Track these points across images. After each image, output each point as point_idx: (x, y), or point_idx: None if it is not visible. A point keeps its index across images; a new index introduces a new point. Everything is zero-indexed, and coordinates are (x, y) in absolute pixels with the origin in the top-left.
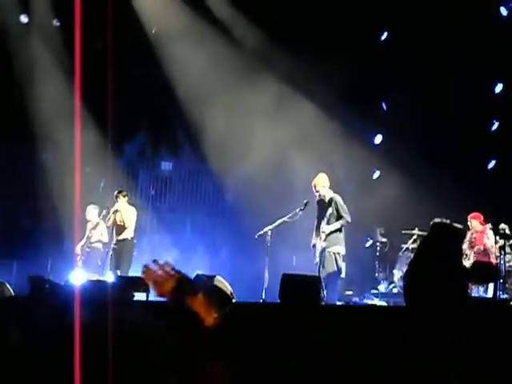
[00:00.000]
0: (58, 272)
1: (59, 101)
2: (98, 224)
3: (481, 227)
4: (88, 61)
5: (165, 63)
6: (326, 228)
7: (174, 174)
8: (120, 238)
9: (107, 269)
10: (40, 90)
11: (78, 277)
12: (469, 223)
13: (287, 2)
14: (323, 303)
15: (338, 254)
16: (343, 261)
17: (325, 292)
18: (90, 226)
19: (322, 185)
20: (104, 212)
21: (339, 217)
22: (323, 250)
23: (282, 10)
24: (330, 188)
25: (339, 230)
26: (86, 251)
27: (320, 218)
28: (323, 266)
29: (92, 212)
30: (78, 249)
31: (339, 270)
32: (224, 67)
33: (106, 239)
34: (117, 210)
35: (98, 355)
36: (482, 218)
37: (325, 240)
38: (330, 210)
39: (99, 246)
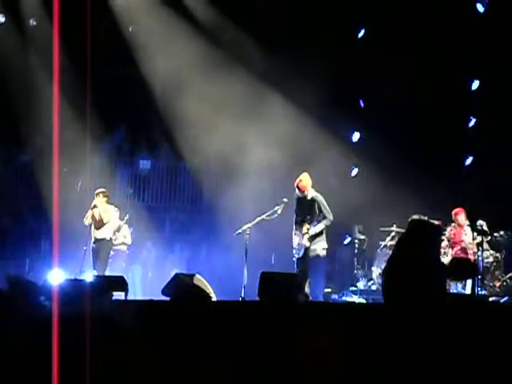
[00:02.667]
0: (36, 272)
1: (36, 101)
2: (120, 226)
3: (467, 221)
4: (65, 59)
5: (141, 61)
6: (311, 230)
7: (153, 172)
8: (98, 236)
9: (85, 268)
10: (17, 90)
11: (56, 276)
12: (454, 218)
13: (265, 1)
14: (306, 301)
15: (324, 249)
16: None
17: (309, 290)
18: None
19: (307, 184)
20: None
21: (323, 217)
22: (307, 249)
23: (260, 8)
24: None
25: (324, 228)
26: (111, 254)
27: (301, 215)
28: (308, 265)
29: (114, 214)
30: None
31: (324, 267)
32: (201, 65)
33: (129, 241)
34: (95, 206)
35: (75, 353)
36: (465, 212)
37: (309, 240)
38: (312, 209)
39: (123, 248)
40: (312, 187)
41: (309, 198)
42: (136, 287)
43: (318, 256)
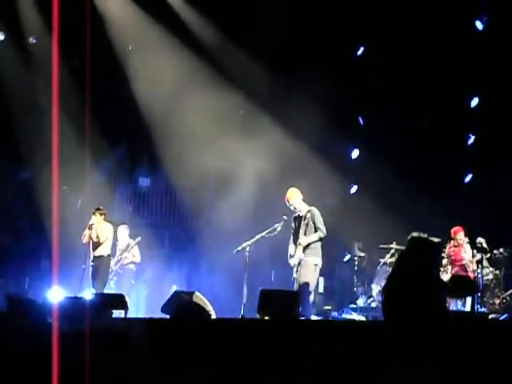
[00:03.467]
0: (35, 290)
1: (36, 118)
2: (129, 245)
3: (466, 239)
4: (65, 77)
5: (138, 79)
6: (303, 240)
7: (152, 189)
8: (96, 254)
9: (84, 286)
10: (17, 107)
11: (55, 294)
12: (453, 237)
13: (262, 18)
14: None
15: (316, 265)
16: (320, 273)
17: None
18: (121, 245)
19: (295, 198)
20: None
21: (316, 229)
22: (300, 261)
23: (259, 26)
24: (304, 201)
25: (316, 241)
26: (118, 272)
27: (296, 232)
28: (299, 276)
29: (124, 232)
30: (112, 266)
31: (314, 282)
32: (198, 82)
33: (138, 259)
34: (91, 225)
35: (75, 370)
36: (463, 231)
37: (303, 252)
38: (306, 222)
39: (132, 266)
40: (305, 202)
41: (303, 212)
42: (140, 305)
43: (310, 269)
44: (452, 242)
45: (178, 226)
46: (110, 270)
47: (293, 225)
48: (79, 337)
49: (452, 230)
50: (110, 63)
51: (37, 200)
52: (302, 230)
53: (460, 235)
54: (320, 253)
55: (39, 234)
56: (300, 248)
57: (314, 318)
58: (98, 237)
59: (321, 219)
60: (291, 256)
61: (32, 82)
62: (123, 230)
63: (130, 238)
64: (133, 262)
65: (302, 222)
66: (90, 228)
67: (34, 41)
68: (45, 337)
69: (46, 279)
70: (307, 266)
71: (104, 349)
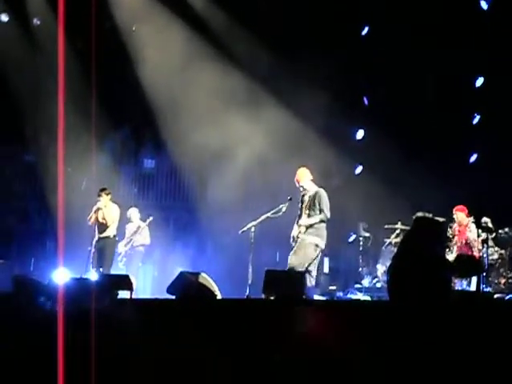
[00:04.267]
0: (41, 271)
1: (41, 100)
2: (139, 227)
3: (466, 220)
4: (70, 58)
5: (143, 61)
6: (303, 220)
7: (157, 171)
8: (102, 235)
9: (90, 267)
10: (22, 90)
11: (61, 276)
12: (454, 216)
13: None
14: (320, 297)
15: (316, 245)
16: (319, 254)
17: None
18: (131, 227)
19: (304, 179)
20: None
21: (320, 210)
22: (297, 239)
23: (261, 7)
24: (313, 182)
25: (318, 223)
26: (128, 253)
27: (302, 208)
28: (294, 253)
29: (135, 215)
30: (120, 248)
31: (308, 261)
32: (202, 63)
33: (148, 241)
34: (99, 208)
35: (81, 351)
36: (467, 211)
37: (304, 232)
38: (312, 203)
39: (142, 249)
40: (314, 183)
41: (311, 193)
42: (146, 286)
43: (307, 248)
44: (456, 222)
45: (183, 208)
46: (120, 251)
47: (299, 205)
48: (85, 317)
49: (454, 209)
50: (115, 44)
51: (42, 182)
52: (306, 211)
53: (459, 215)
54: (323, 234)
55: (44, 215)
56: (302, 229)
57: (318, 297)
58: (104, 218)
59: (326, 201)
60: (293, 239)
61: (36, 63)
62: (134, 213)
63: (141, 221)
64: (143, 245)
65: (309, 203)
66: (97, 210)
67: (38, 22)
68: (50, 318)
69: (51, 260)
70: (305, 244)
71: (109, 329)
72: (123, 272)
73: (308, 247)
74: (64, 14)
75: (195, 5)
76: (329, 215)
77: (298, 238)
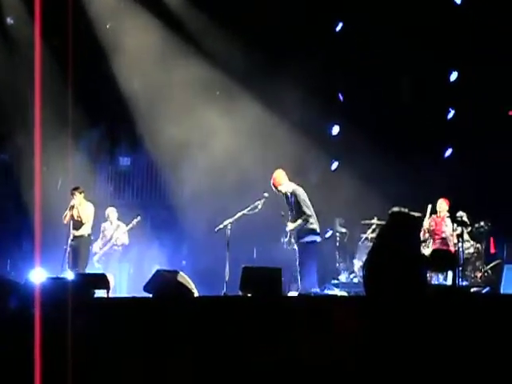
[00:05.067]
0: (18, 271)
1: (16, 99)
2: (119, 226)
3: (445, 212)
4: (46, 58)
5: (118, 58)
6: (289, 226)
7: (133, 169)
8: (77, 234)
9: (66, 266)
10: None
11: (38, 275)
12: (437, 204)
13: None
14: (297, 294)
15: (313, 242)
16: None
17: (299, 283)
18: (109, 226)
19: (281, 183)
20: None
21: (301, 211)
22: (294, 243)
23: (236, 3)
24: (290, 180)
25: (304, 223)
26: (107, 252)
27: (287, 209)
28: (298, 258)
29: (113, 214)
30: (96, 248)
31: (313, 259)
32: (179, 64)
33: (127, 241)
34: (73, 206)
35: (57, 351)
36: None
37: (295, 236)
38: (294, 203)
39: (120, 248)
40: (291, 181)
41: (289, 192)
42: (122, 284)
43: (306, 249)
44: (433, 215)
45: (159, 205)
46: (96, 251)
47: (285, 202)
48: (61, 317)
49: (440, 199)
50: (90, 42)
51: (18, 181)
52: (292, 212)
53: (443, 204)
54: (313, 228)
55: (21, 215)
56: (291, 233)
57: (293, 294)
58: (79, 216)
59: (305, 199)
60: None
61: (11, 62)
62: (112, 212)
63: (118, 220)
64: (123, 244)
65: (290, 204)
66: (71, 208)
67: (12, 21)
68: (27, 318)
69: (28, 260)
70: (302, 246)
71: (86, 328)
72: (100, 271)
73: (306, 247)
74: (40, 11)
75: (170, 2)
76: (309, 212)
77: (294, 243)
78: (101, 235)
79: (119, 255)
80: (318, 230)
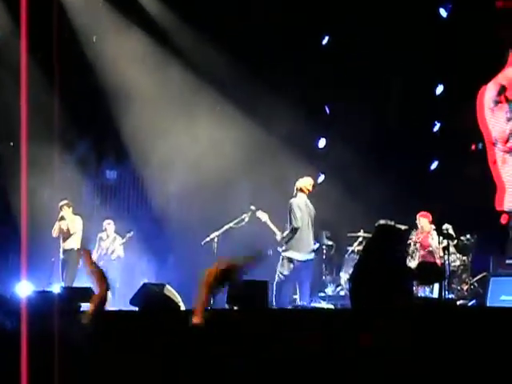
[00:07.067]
0: (3, 284)
1: (3, 111)
2: (115, 239)
3: (428, 227)
4: (31, 70)
5: (104, 71)
6: (278, 237)
7: (119, 182)
8: (67, 247)
9: (54, 279)
10: None
11: (24, 288)
12: (417, 221)
13: (226, 6)
14: (271, 308)
15: (290, 259)
16: (296, 265)
17: (273, 297)
18: (105, 238)
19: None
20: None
21: (290, 223)
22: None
23: (221, 13)
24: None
25: (292, 235)
26: (101, 264)
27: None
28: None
29: (111, 227)
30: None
31: (286, 274)
32: (165, 77)
33: (122, 254)
34: (62, 218)
35: (44, 366)
36: (430, 217)
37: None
38: (289, 215)
39: (115, 262)
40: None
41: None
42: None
43: (283, 263)
44: (419, 228)
45: (146, 219)
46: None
47: None
48: (48, 331)
49: (418, 214)
50: (75, 54)
51: (3, 193)
52: (287, 225)
53: (422, 221)
54: (297, 246)
55: (6, 228)
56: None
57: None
58: (68, 228)
59: (295, 212)
60: None
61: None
62: (110, 225)
63: (115, 233)
64: (119, 256)
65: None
66: (60, 220)
67: None
68: (13, 331)
69: (14, 273)
70: (281, 259)
71: (72, 343)
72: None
73: (284, 263)
74: (26, 24)
75: (157, 15)
76: (296, 225)
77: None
78: (97, 245)
79: (114, 268)
80: (300, 249)
